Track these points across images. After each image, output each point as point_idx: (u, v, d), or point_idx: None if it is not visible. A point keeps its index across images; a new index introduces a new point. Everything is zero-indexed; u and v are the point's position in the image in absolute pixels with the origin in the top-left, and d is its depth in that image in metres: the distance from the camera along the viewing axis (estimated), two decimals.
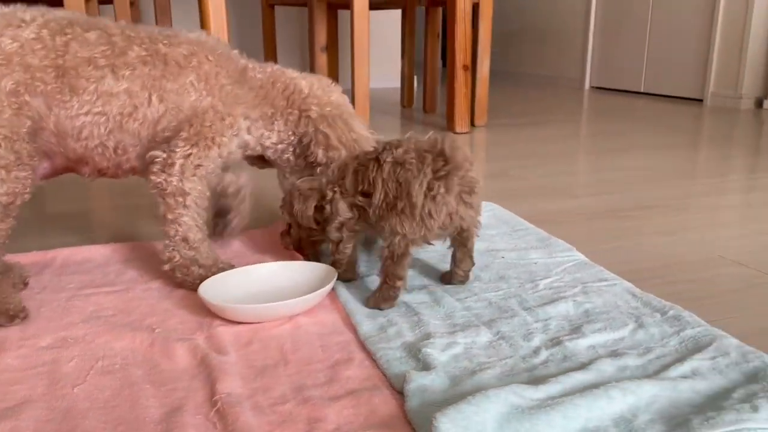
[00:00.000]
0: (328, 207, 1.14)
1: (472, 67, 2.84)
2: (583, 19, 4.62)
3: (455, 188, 1.04)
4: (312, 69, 3.62)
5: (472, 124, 3.01)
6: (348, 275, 1.18)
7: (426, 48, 3.49)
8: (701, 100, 3.75)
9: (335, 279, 1.10)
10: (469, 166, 1.06)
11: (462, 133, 2.82)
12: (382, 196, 1.06)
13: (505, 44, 5.10)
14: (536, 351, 0.92)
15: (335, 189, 1.13)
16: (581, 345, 0.93)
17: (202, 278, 1.12)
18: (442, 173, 1.02)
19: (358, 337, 0.99)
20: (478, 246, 1.34)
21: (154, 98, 1.10)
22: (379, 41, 4.14)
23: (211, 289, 1.08)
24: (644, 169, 2.18)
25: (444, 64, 5.04)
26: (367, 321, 1.03)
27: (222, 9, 2.01)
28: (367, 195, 1.09)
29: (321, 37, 3.41)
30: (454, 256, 1.16)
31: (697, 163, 2.30)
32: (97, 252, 1.36)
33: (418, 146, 1.06)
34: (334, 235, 1.14)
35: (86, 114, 1.06)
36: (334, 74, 3.86)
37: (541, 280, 1.18)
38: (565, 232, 1.44)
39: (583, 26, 4.62)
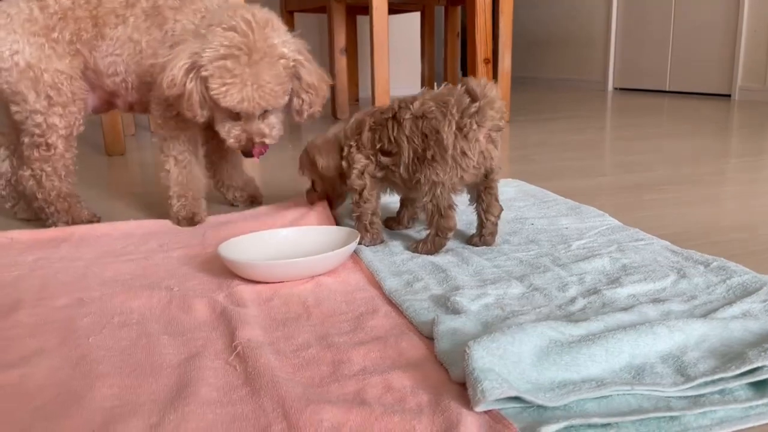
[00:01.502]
0: (344, 162, 1.15)
1: (493, 62, 2.80)
2: (604, 20, 4.58)
3: (488, 123, 1.03)
4: (332, 72, 3.61)
5: None
6: (374, 235, 1.15)
7: (446, 49, 3.47)
8: (729, 96, 3.67)
9: (357, 240, 1.06)
10: (501, 100, 1.06)
11: None
12: (411, 154, 1.07)
13: (525, 51, 5.07)
14: (572, 300, 0.87)
15: (351, 144, 1.14)
16: (621, 293, 0.88)
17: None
18: (473, 109, 1.02)
19: (383, 292, 0.95)
20: (507, 216, 1.29)
21: (143, 44, 1.28)
22: (398, 45, 4.13)
23: (232, 250, 1.04)
24: (675, 151, 2.11)
25: (463, 65, 5.03)
26: (391, 278, 0.98)
27: None
28: (387, 153, 1.10)
29: (340, 40, 3.41)
30: (480, 209, 1.12)
31: (729, 145, 2.23)
32: (117, 228, 1.33)
33: (434, 96, 1.07)
34: (356, 183, 1.13)
35: (110, 55, 1.29)
36: (354, 78, 3.85)
37: (574, 241, 1.13)
38: (595, 204, 1.38)
39: (605, 28, 4.57)
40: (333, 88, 3.57)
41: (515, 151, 2.24)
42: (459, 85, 1.06)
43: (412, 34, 3.90)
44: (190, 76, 1.14)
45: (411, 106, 1.06)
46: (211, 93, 1.14)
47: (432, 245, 1.09)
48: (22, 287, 1.01)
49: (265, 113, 1.21)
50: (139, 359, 0.76)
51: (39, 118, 1.25)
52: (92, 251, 1.20)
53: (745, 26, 3.54)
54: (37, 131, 1.27)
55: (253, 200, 1.51)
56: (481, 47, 2.72)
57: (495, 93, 1.05)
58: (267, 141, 1.23)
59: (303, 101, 1.25)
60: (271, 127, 1.23)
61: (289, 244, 1.11)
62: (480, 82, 1.05)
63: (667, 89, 4.14)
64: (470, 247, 1.12)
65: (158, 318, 0.89)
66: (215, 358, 0.76)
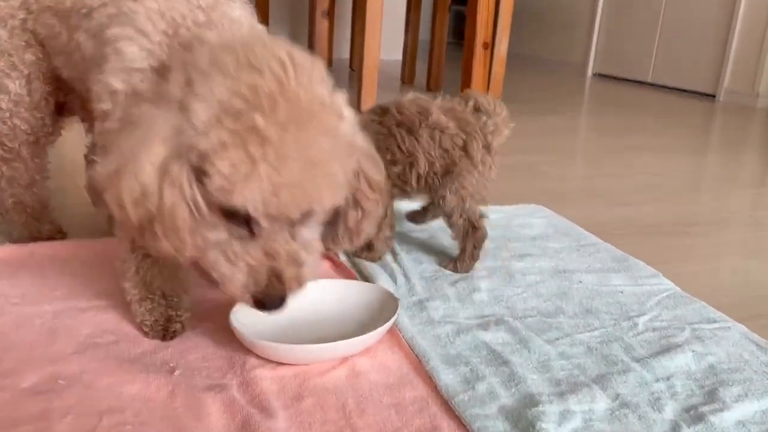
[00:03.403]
0: None
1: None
2: (590, 1, 4.41)
3: (502, 140, 1.11)
4: (311, 35, 3.34)
5: None
6: (381, 247, 1.11)
7: (434, 21, 3.24)
8: (714, 96, 3.59)
9: (398, 309, 0.88)
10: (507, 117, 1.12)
11: None
12: (426, 167, 1.05)
13: None
14: (675, 428, 0.72)
15: None
16: (728, 420, 0.74)
17: None
18: (491, 128, 1.08)
19: (437, 390, 0.78)
20: (546, 265, 1.14)
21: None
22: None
23: (243, 313, 0.85)
24: (683, 173, 2.00)
25: (456, 40, 4.79)
26: (444, 368, 0.81)
27: None
28: (393, 163, 1.05)
29: (323, 1, 3.13)
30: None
31: (738, 169, 2.13)
32: (86, 248, 1.11)
33: (447, 109, 1.07)
34: None
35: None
36: (330, 41, 3.58)
37: (637, 316, 0.98)
38: (631, 249, 1.24)
39: (590, 9, 4.41)
40: (311, 50, 3.30)
41: (518, 155, 2.08)
42: (462, 99, 1.11)
43: (397, 2, 3.63)
44: (173, 174, 0.64)
45: (429, 118, 1.04)
46: (213, 186, 0.63)
47: (470, 260, 1.10)
48: None
49: (298, 222, 0.69)
50: None
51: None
52: (60, 285, 0.98)
53: (739, 25, 3.45)
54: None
55: None
56: (482, 30, 2.51)
57: (506, 111, 1.11)
58: (303, 277, 0.71)
59: (363, 213, 0.77)
60: (309, 250, 0.71)
61: (309, 304, 0.92)
62: (488, 99, 1.10)
63: (649, 80, 4.04)
64: (522, 318, 0.96)
65: (160, 423, 0.69)
66: None
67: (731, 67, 3.50)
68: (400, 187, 1.08)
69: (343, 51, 4.06)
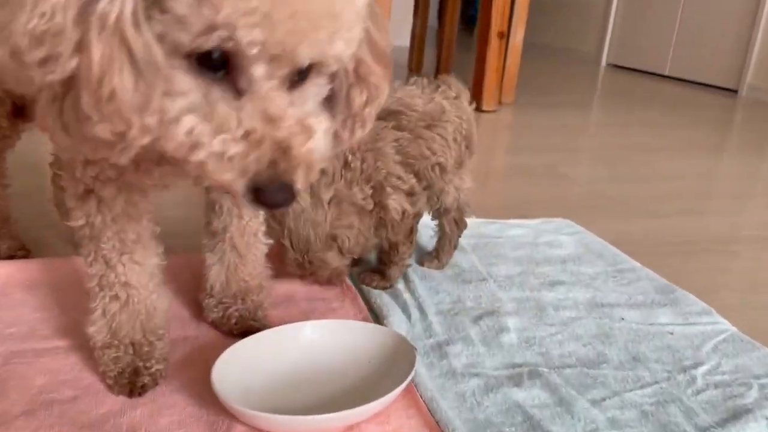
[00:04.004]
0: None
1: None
2: None
3: None
4: None
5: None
6: (395, 275, 0.99)
7: (443, 7, 3.07)
8: (735, 91, 3.42)
9: (416, 364, 0.73)
10: None
11: (489, 112, 2.44)
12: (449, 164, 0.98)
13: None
14: None
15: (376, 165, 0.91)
16: None
17: None
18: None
19: None
20: (581, 296, 1.00)
21: None
22: None
23: (227, 370, 0.70)
24: (707, 177, 1.85)
25: (466, 27, 4.61)
26: None
27: None
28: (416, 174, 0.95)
29: None
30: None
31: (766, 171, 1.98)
32: (52, 269, 0.96)
33: (448, 99, 0.98)
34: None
35: None
36: None
37: (693, 367, 0.83)
38: (669, 273, 1.09)
39: None
40: None
41: (535, 155, 1.93)
42: (444, 84, 1.00)
43: None
44: (99, 8, 0.42)
45: (444, 112, 0.96)
46: (178, 11, 0.42)
47: (450, 252, 1.07)
48: None
49: (300, 79, 0.50)
50: None
51: None
52: (17, 320, 0.83)
53: (764, 18, 3.27)
54: None
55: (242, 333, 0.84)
56: (497, 18, 2.35)
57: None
58: (318, 153, 0.50)
59: (369, 93, 0.57)
60: (319, 118, 0.51)
61: (307, 352, 0.77)
62: (458, 83, 1.02)
63: (666, 73, 3.87)
64: (560, 369, 0.81)
65: None
66: None
67: (755, 61, 3.33)
68: (427, 197, 0.99)
69: None
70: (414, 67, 3.32)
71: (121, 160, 0.49)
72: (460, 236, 1.07)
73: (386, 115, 0.92)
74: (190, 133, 0.46)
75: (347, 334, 0.79)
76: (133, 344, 0.72)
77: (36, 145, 0.90)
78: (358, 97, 0.57)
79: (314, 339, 0.78)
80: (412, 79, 1.00)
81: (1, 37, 0.43)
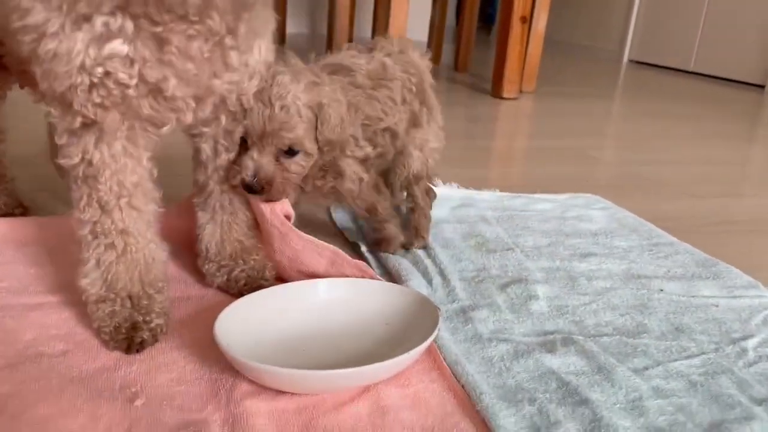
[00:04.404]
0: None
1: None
2: None
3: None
4: (331, 12, 3.12)
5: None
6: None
7: (462, 3, 3.00)
8: (762, 87, 3.32)
9: (439, 323, 0.66)
10: None
11: (510, 99, 2.37)
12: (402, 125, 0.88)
13: None
14: None
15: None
16: None
17: None
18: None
19: None
20: (615, 267, 0.92)
21: None
22: None
23: (233, 324, 0.64)
24: (744, 164, 1.76)
25: (485, 17, 4.54)
26: (503, 408, 0.60)
27: None
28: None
29: None
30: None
31: None
32: (49, 228, 0.90)
33: (386, 53, 0.88)
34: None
35: None
36: (351, 16, 3.35)
37: (742, 339, 0.76)
38: (712, 250, 1.01)
39: None
40: (331, 28, 3.08)
41: (560, 139, 1.85)
42: (380, 45, 0.89)
43: None
44: None
45: (387, 70, 0.86)
46: None
47: (428, 228, 0.96)
48: None
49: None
50: None
51: None
52: (9, 276, 0.77)
53: None
54: None
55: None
56: (519, 3, 2.27)
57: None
58: None
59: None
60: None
61: (321, 310, 0.71)
62: (399, 40, 0.91)
63: (691, 69, 3.77)
64: (596, 338, 0.74)
65: None
66: None
67: None
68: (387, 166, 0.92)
69: (365, 30, 3.82)
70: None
71: None
72: (431, 209, 0.97)
73: (337, 70, 0.82)
74: None
75: (364, 293, 0.72)
76: (130, 297, 0.66)
77: (30, 110, 0.83)
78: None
79: (328, 297, 0.72)
80: (345, 46, 0.90)
81: None
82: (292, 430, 0.56)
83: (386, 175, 0.93)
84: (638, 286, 0.88)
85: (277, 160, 0.75)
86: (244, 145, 0.75)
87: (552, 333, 0.74)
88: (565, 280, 0.88)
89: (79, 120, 0.61)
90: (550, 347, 0.71)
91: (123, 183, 0.64)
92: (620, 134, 2.05)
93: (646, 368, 0.68)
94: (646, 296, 0.85)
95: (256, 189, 0.74)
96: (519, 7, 2.28)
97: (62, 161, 0.63)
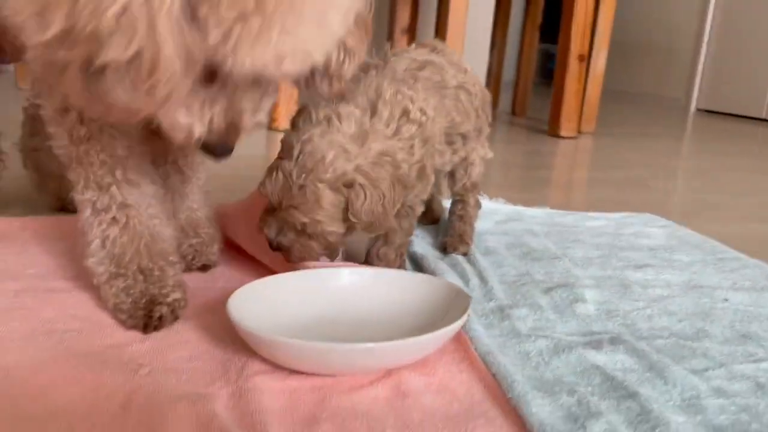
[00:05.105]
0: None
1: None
2: (694, 31, 4.06)
3: None
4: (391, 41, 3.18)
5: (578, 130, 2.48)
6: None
7: (522, 42, 3.01)
8: None
9: (469, 307, 0.61)
10: None
11: (567, 138, 2.31)
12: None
13: None
14: None
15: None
16: None
17: None
18: None
19: (526, 429, 0.50)
20: (674, 278, 0.85)
21: None
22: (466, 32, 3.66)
23: (247, 302, 0.60)
24: None
25: (544, 61, 4.52)
26: (538, 397, 0.53)
27: None
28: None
29: (403, 18, 2.96)
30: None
31: None
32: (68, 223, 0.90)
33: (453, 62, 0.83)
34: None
35: None
36: None
37: None
38: None
39: (694, 40, 4.05)
40: None
41: (617, 171, 1.78)
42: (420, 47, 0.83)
43: (484, 22, 3.42)
44: (165, 4, 0.44)
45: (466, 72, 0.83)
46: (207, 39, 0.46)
47: (472, 237, 0.91)
48: None
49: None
50: None
51: None
52: (38, 264, 0.77)
53: None
54: None
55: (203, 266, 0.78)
56: (577, 41, 2.24)
57: None
58: (259, 124, 0.58)
59: (348, 52, 0.60)
60: (270, 95, 0.58)
61: (345, 297, 0.66)
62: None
63: (764, 116, 3.62)
64: (649, 340, 0.67)
65: None
66: None
67: None
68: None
69: None
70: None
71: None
72: (476, 219, 0.93)
73: (424, 66, 0.77)
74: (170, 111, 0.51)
75: (390, 282, 0.68)
76: (141, 271, 0.64)
77: None
78: (336, 60, 0.59)
79: (350, 285, 0.68)
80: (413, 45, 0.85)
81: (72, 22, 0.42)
82: (303, 408, 0.51)
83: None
84: (700, 295, 0.80)
85: (296, 231, 0.67)
86: None
87: (599, 333, 0.67)
88: (617, 287, 0.81)
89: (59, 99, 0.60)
90: (595, 345, 0.64)
91: (114, 155, 0.64)
92: (686, 167, 1.96)
93: (706, 369, 0.61)
94: (709, 305, 0.77)
95: (276, 249, 0.69)
96: (576, 46, 2.25)
97: (56, 150, 0.64)
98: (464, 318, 0.58)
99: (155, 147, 0.70)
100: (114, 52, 0.42)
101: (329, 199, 0.64)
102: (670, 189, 1.58)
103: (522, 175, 1.63)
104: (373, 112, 0.68)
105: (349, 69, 0.61)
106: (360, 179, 0.64)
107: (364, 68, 0.73)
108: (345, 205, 0.65)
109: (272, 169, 0.65)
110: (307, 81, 0.61)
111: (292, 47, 0.47)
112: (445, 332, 0.56)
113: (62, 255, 0.80)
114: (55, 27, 0.42)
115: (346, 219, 0.66)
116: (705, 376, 0.59)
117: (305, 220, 0.64)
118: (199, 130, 0.53)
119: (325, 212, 0.64)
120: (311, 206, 0.64)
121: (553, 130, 2.34)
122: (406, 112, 0.70)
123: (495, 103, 3.21)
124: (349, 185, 0.64)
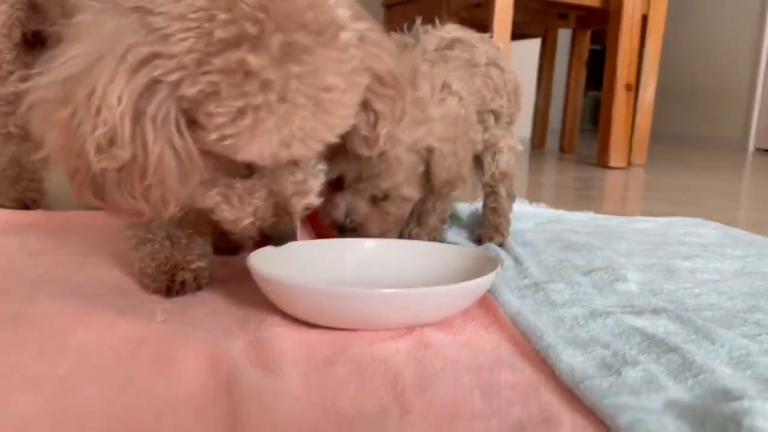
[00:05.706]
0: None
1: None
2: (748, 73, 3.97)
3: None
4: None
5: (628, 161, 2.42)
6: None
7: (569, 78, 2.99)
8: None
9: (498, 269, 0.58)
10: None
11: (617, 169, 2.26)
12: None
13: None
14: None
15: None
16: None
17: None
18: None
19: (554, 376, 0.47)
20: (725, 267, 0.80)
21: None
22: None
23: (270, 260, 0.59)
24: None
25: (593, 96, 4.50)
26: (569, 349, 0.50)
27: None
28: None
29: None
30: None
31: None
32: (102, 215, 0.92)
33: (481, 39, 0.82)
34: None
35: None
36: None
37: None
38: None
39: (749, 81, 3.96)
40: None
41: (669, 193, 1.72)
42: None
43: (530, 62, 3.44)
44: (154, 115, 0.47)
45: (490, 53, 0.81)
46: (208, 138, 0.48)
47: (507, 225, 0.89)
48: None
49: None
50: None
51: None
52: (77, 245, 0.78)
53: None
54: None
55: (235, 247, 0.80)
56: (623, 70, 2.22)
57: None
58: (311, 204, 0.58)
59: (377, 116, 0.60)
60: (314, 173, 0.59)
61: (373, 262, 0.65)
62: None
63: None
64: (696, 311, 0.62)
65: (103, 374, 0.44)
66: None
67: None
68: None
69: None
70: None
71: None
72: (511, 211, 0.91)
73: (454, 43, 0.77)
74: (216, 206, 0.56)
75: (417, 254, 0.66)
76: (169, 237, 0.64)
77: None
78: (366, 122, 0.60)
79: (376, 252, 0.66)
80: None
81: (67, 140, 0.48)
82: (320, 357, 0.49)
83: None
84: (753, 279, 0.75)
85: (374, 201, 0.69)
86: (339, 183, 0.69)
87: (641, 306, 0.63)
88: (663, 271, 0.77)
89: None
90: (637, 312, 0.60)
91: None
92: (746, 192, 1.88)
93: (758, 335, 0.56)
94: (763, 287, 0.72)
95: (348, 228, 0.69)
96: (623, 75, 2.22)
97: None
98: (492, 275, 0.56)
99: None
100: (105, 163, 0.47)
101: (409, 161, 0.67)
102: (725, 206, 1.52)
103: (570, 194, 1.59)
104: (414, 86, 0.69)
105: (382, 130, 0.61)
106: (434, 141, 0.67)
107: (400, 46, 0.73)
108: (423, 168, 0.69)
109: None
110: (344, 154, 0.63)
111: (289, 133, 0.49)
112: (470, 285, 0.54)
113: (109, 242, 0.81)
114: (52, 145, 0.48)
115: (420, 184, 0.69)
116: (757, 339, 0.55)
117: (388, 184, 0.67)
118: (246, 221, 0.55)
119: (405, 173, 0.67)
120: (393, 170, 0.66)
121: (601, 160, 2.29)
122: (447, 86, 0.71)
123: (542, 143, 3.19)
124: (427, 148, 0.67)
